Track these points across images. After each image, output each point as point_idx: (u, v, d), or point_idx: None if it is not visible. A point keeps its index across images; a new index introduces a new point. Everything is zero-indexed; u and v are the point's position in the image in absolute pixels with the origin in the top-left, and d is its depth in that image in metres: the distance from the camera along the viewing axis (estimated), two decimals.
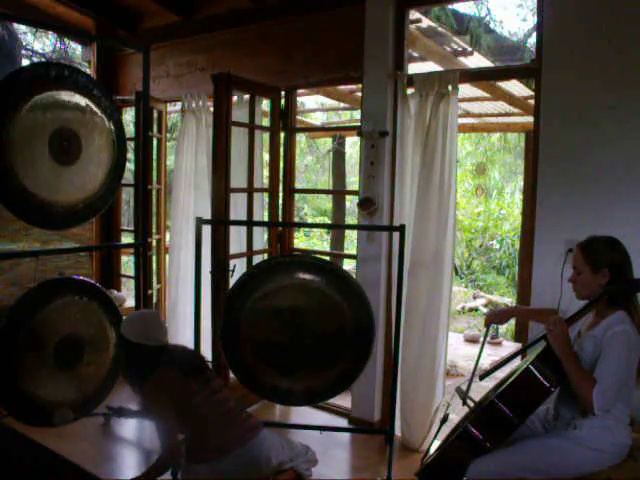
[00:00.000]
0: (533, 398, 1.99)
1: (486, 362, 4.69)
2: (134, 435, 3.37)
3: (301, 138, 10.19)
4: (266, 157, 4.01)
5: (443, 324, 3.10)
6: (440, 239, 3.05)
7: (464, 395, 2.28)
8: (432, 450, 2.37)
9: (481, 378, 2.26)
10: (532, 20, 8.75)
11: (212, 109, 3.55)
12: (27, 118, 2.53)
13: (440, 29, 3.88)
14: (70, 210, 2.79)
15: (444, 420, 2.43)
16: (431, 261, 3.08)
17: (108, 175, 2.92)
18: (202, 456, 2.10)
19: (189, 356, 2.32)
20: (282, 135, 3.78)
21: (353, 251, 3.89)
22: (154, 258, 4.33)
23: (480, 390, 2.52)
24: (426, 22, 3.65)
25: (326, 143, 10.30)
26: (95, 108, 2.81)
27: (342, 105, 5.81)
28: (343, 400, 3.46)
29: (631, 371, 1.92)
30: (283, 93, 3.74)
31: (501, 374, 2.40)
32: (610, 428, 1.95)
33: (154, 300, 4.37)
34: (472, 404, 2.27)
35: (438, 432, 2.49)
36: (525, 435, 2.10)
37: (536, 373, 1.97)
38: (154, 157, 4.22)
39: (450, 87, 2.98)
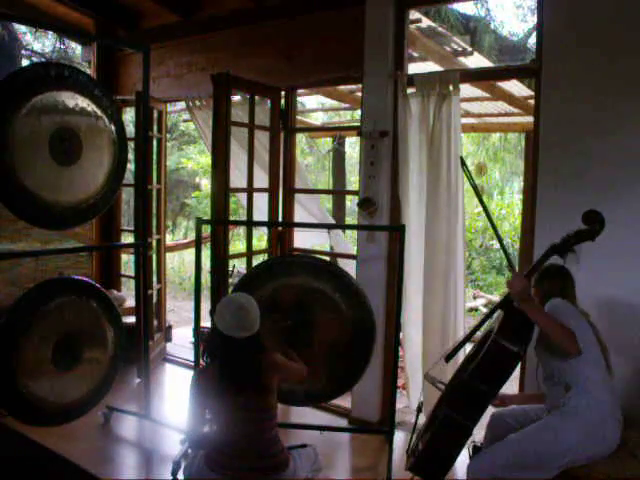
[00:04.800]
0: (505, 367, 2.07)
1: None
2: (134, 435, 3.37)
3: (301, 138, 10.19)
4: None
5: (460, 323, 3.13)
6: (451, 239, 3.07)
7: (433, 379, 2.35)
8: (414, 440, 2.39)
9: (447, 360, 2.30)
10: (532, 20, 8.74)
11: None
12: (27, 118, 2.52)
13: (440, 29, 3.87)
14: (71, 210, 2.79)
15: (419, 409, 2.51)
16: (444, 263, 3.09)
17: (109, 175, 2.92)
18: (214, 466, 2.11)
19: (237, 370, 2.12)
20: (282, 135, 3.78)
21: (353, 251, 3.89)
22: (154, 258, 4.33)
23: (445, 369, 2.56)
24: (426, 22, 3.65)
25: (326, 143, 10.30)
26: (95, 108, 2.81)
27: (342, 105, 5.81)
28: (343, 400, 3.45)
29: (578, 320, 2.09)
30: (283, 93, 3.74)
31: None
32: (594, 398, 2.05)
33: (154, 300, 4.37)
34: (442, 387, 2.28)
35: (416, 422, 2.51)
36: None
37: (503, 342, 2.05)
38: (154, 157, 4.22)
39: (451, 87, 2.98)
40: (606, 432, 2.03)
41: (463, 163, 2.41)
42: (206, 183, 10.54)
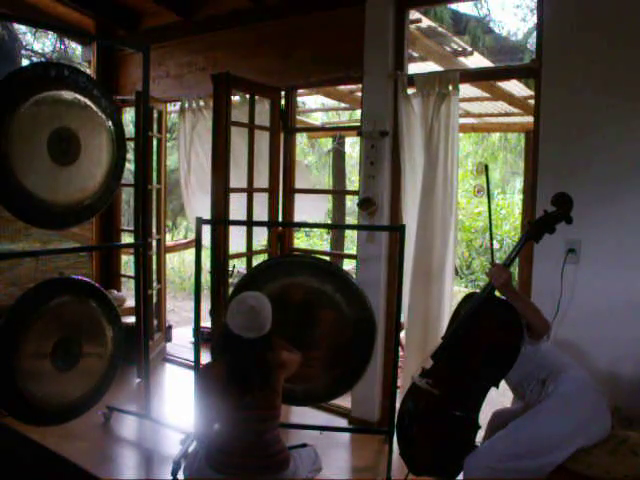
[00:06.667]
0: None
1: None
2: (134, 435, 3.37)
3: (302, 138, 10.19)
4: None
5: (444, 323, 3.11)
6: (444, 238, 3.07)
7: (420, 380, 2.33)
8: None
9: (433, 357, 2.31)
10: (532, 20, 8.75)
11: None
12: (26, 118, 2.52)
13: (440, 29, 3.88)
14: (69, 210, 2.79)
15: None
16: (435, 261, 3.09)
17: (107, 175, 2.92)
18: (215, 465, 2.11)
19: (245, 370, 2.13)
20: (282, 135, 3.78)
21: (353, 251, 3.89)
22: (154, 258, 4.33)
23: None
24: (426, 22, 3.65)
25: (327, 143, 10.31)
26: (95, 108, 2.81)
27: (342, 105, 5.81)
28: (343, 400, 3.45)
29: None
30: (283, 93, 3.74)
31: None
32: (573, 377, 2.12)
33: (154, 300, 4.38)
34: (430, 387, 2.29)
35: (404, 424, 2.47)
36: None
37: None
38: (154, 157, 4.22)
39: (451, 87, 2.98)
40: (600, 405, 2.09)
41: (487, 170, 2.43)
42: None
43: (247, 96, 3.61)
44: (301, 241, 10.96)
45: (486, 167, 2.46)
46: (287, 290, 2.83)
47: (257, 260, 3.62)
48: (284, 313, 2.82)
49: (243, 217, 3.58)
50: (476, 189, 8.78)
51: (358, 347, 2.82)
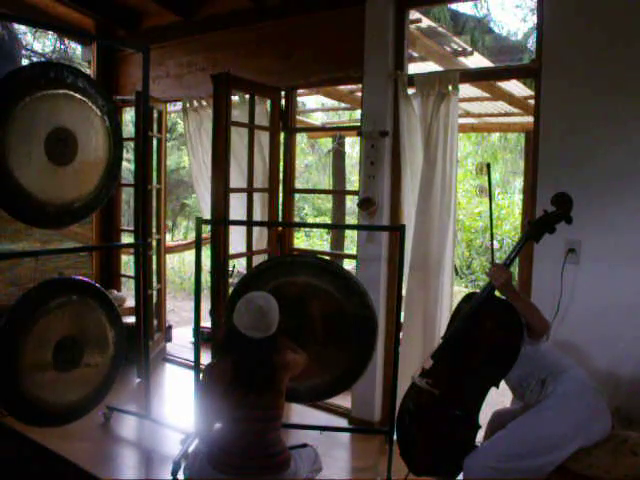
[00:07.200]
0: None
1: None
2: (134, 435, 3.37)
3: (302, 138, 10.19)
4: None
5: (444, 323, 3.11)
6: (441, 239, 3.07)
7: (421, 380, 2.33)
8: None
9: (433, 357, 2.31)
10: (532, 20, 8.75)
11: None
12: (24, 118, 2.52)
13: (440, 29, 3.88)
14: (64, 209, 2.78)
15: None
16: (433, 261, 3.09)
17: (104, 174, 2.92)
18: (217, 464, 2.11)
19: (251, 369, 2.13)
20: (282, 135, 3.78)
21: (353, 251, 3.89)
22: (154, 258, 4.33)
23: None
24: (426, 22, 3.65)
25: (327, 143, 10.31)
26: (93, 107, 2.81)
27: (342, 105, 5.81)
28: (343, 400, 3.45)
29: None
30: (283, 93, 3.74)
31: None
32: (573, 376, 2.12)
33: (154, 300, 4.37)
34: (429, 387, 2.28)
35: (404, 424, 2.47)
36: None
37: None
38: (154, 157, 4.22)
39: (450, 87, 2.98)
40: (600, 405, 2.09)
41: (489, 169, 2.42)
42: None
43: (247, 96, 3.61)
44: (301, 241, 10.96)
45: (488, 166, 2.45)
46: (288, 289, 2.83)
47: (257, 260, 3.62)
48: (286, 311, 2.82)
49: (243, 217, 3.59)
50: (478, 189, 8.79)
51: (359, 345, 2.82)
